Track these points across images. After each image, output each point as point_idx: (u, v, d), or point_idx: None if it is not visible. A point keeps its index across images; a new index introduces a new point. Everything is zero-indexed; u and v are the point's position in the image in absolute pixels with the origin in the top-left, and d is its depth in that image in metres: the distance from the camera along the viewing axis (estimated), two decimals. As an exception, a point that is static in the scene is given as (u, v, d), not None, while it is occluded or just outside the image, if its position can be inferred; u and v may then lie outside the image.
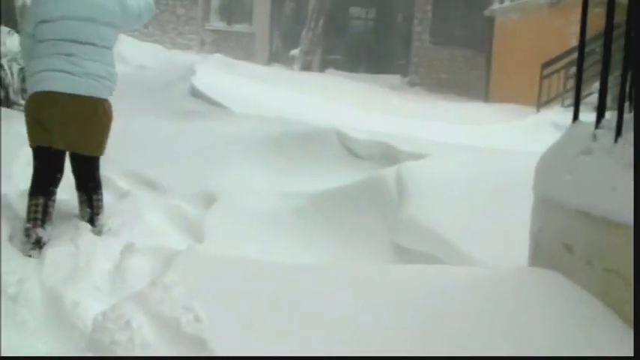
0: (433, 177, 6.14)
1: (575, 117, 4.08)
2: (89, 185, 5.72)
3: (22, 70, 10.45)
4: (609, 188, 3.21)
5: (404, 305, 3.66)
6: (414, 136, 9.06)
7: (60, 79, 5.30)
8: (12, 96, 10.42)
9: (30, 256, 5.08)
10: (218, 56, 18.78)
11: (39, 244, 5.19)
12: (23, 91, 10.49)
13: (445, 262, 4.94)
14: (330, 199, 6.45)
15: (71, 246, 5.10)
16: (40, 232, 5.25)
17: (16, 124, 8.57)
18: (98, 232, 5.59)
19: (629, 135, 3.30)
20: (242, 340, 3.43)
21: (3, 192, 6.02)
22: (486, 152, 7.75)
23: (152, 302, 4.15)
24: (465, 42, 26.44)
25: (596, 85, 5.35)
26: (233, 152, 8.07)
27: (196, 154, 8.03)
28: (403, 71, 26.75)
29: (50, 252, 4.98)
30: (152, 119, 9.71)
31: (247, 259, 4.91)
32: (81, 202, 5.73)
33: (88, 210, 5.69)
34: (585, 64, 4.17)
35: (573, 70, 14.93)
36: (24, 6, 12.10)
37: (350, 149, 7.90)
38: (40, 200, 5.35)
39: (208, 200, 6.80)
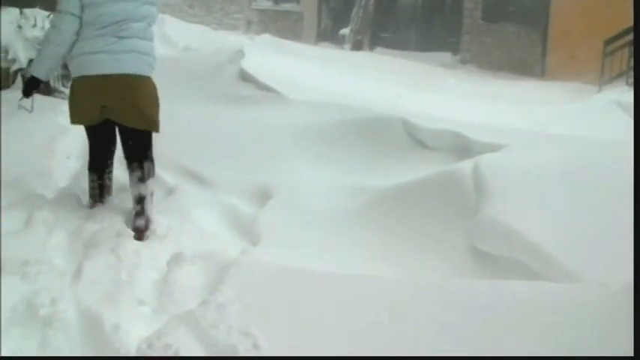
0: (516, 171, 5.49)
1: None
2: (141, 158, 5.69)
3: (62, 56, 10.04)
4: None
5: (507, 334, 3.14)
6: (477, 120, 8.44)
7: (105, 60, 5.44)
8: (53, 83, 10.01)
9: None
10: (266, 36, 18.27)
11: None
12: (64, 77, 10.08)
13: (533, 269, 4.40)
14: (397, 196, 5.82)
15: (111, 257, 4.59)
16: (99, 206, 5.68)
17: (55, 114, 8.15)
18: (148, 199, 5.57)
19: None
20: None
21: (40, 191, 5.92)
22: (570, 140, 7.09)
23: (204, 325, 3.75)
24: (518, 18, 25.73)
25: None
26: (288, 143, 7.46)
27: (248, 145, 7.45)
28: (454, 49, 26.08)
29: (88, 265, 4.45)
30: (200, 106, 9.20)
31: (309, 271, 4.44)
32: (131, 171, 5.68)
33: (139, 172, 5.64)
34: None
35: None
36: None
37: (417, 139, 7.23)
38: (95, 176, 5.80)
39: (262, 197, 6.25)
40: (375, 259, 5.07)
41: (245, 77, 10.74)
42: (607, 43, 16.98)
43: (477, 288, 4.02)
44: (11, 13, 10.26)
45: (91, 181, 5.79)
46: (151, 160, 5.75)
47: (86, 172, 5.94)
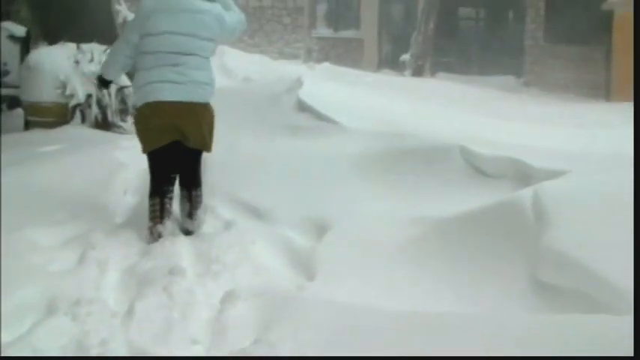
0: (578, 198, 5.29)
1: None
2: (192, 181, 6.23)
3: (120, 90, 10.09)
4: None
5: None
6: (541, 145, 8.24)
7: (168, 89, 5.87)
8: (110, 117, 10.04)
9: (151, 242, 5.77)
10: (326, 65, 18.33)
11: (160, 237, 5.82)
12: (122, 112, 10.13)
13: (598, 300, 4.20)
14: (456, 226, 5.66)
15: (164, 295, 4.53)
16: (160, 227, 5.90)
17: (113, 149, 8.16)
18: (197, 227, 6.09)
19: None
20: None
21: (95, 227, 5.92)
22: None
23: (256, 364, 3.65)
24: (581, 38, 25.41)
25: None
26: (345, 173, 7.36)
27: (304, 176, 7.36)
28: (517, 72, 25.79)
29: (140, 304, 4.39)
30: (257, 137, 9.14)
31: (365, 308, 4.31)
32: (182, 197, 6.20)
33: (188, 204, 6.16)
34: None
35: None
36: (125, 22, 11.82)
37: (476, 167, 7.07)
38: (157, 200, 6.03)
39: (319, 229, 6.15)
40: (434, 290, 4.93)
41: (303, 107, 10.66)
42: (674, 61, 16.56)
43: (538, 321, 3.86)
44: (68, 48, 10.35)
45: (152, 204, 6.03)
46: (200, 186, 6.28)
47: (143, 206, 6.20)
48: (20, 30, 11.53)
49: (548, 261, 4.74)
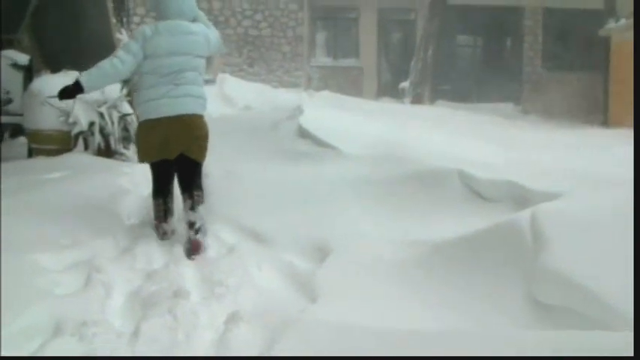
0: (574, 219, 5.35)
1: None
2: (192, 187, 6.63)
3: (122, 117, 10.18)
4: None
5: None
6: (538, 168, 8.33)
7: (168, 104, 6.40)
8: (113, 145, 10.12)
9: (162, 239, 6.53)
10: (325, 93, 18.41)
11: (166, 235, 6.58)
12: (125, 139, 10.20)
13: (592, 318, 4.26)
14: (456, 248, 5.73)
15: (169, 317, 4.59)
16: (164, 226, 6.62)
17: (116, 176, 8.24)
18: (199, 219, 6.43)
19: None
20: None
21: (99, 252, 5.97)
22: (631, 184, 6.95)
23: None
24: (579, 65, 25.58)
25: None
26: (345, 197, 7.49)
27: (305, 201, 7.48)
28: (515, 98, 25.94)
29: (145, 326, 4.46)
30: (258, 163, 9.26)
31: (366, 329, 4.33)
32: (185, 201, 6.61)
33: (190, 201, 6.56)
34: None
35: None
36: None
37: (474, 190, 7.18)
38: (160, 200, 6.67)
39: (320, 252, 6.21)
40: (434, 310, 4.99)
41: (303, 134, 10.80)
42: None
43: (534, 337, 3.93)
44: (71, 76, 10.42)
45: (157, 204, 6.66)
46: (202, 189, 6.70)
47: (146, 233, 6.63)
48: (23, 58, 11.60)
49: (545, 281, 4.79)
